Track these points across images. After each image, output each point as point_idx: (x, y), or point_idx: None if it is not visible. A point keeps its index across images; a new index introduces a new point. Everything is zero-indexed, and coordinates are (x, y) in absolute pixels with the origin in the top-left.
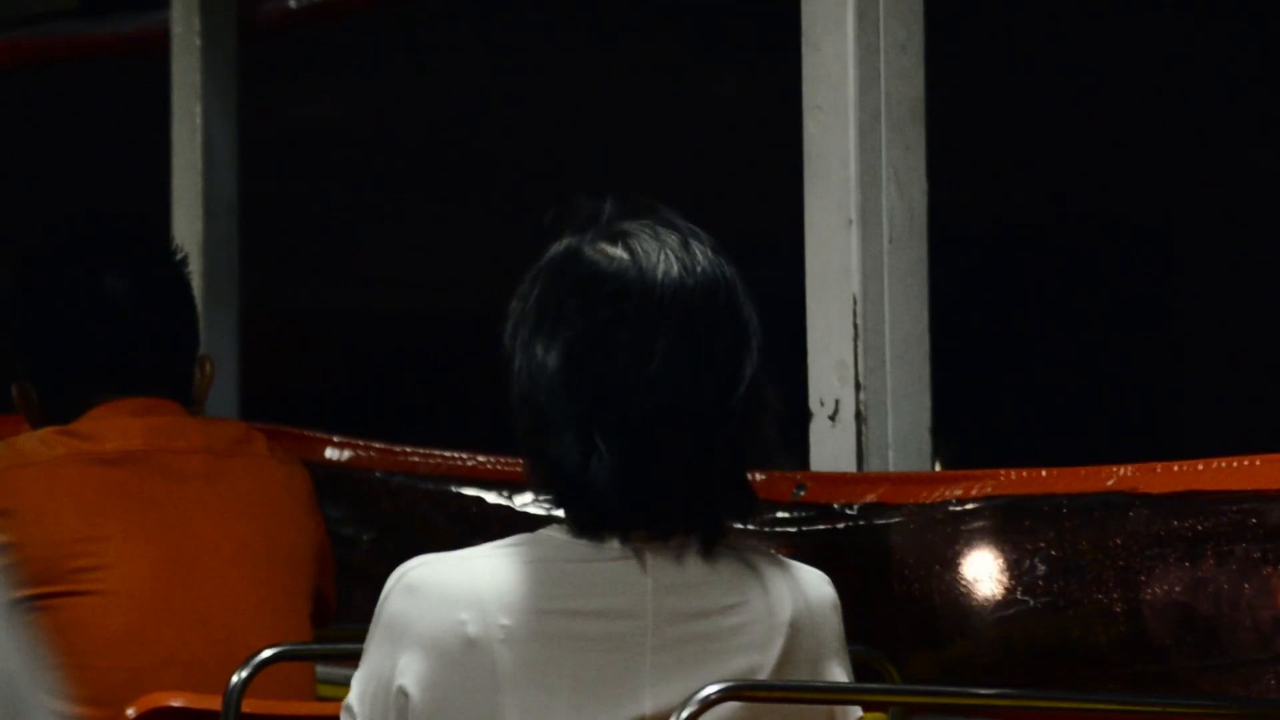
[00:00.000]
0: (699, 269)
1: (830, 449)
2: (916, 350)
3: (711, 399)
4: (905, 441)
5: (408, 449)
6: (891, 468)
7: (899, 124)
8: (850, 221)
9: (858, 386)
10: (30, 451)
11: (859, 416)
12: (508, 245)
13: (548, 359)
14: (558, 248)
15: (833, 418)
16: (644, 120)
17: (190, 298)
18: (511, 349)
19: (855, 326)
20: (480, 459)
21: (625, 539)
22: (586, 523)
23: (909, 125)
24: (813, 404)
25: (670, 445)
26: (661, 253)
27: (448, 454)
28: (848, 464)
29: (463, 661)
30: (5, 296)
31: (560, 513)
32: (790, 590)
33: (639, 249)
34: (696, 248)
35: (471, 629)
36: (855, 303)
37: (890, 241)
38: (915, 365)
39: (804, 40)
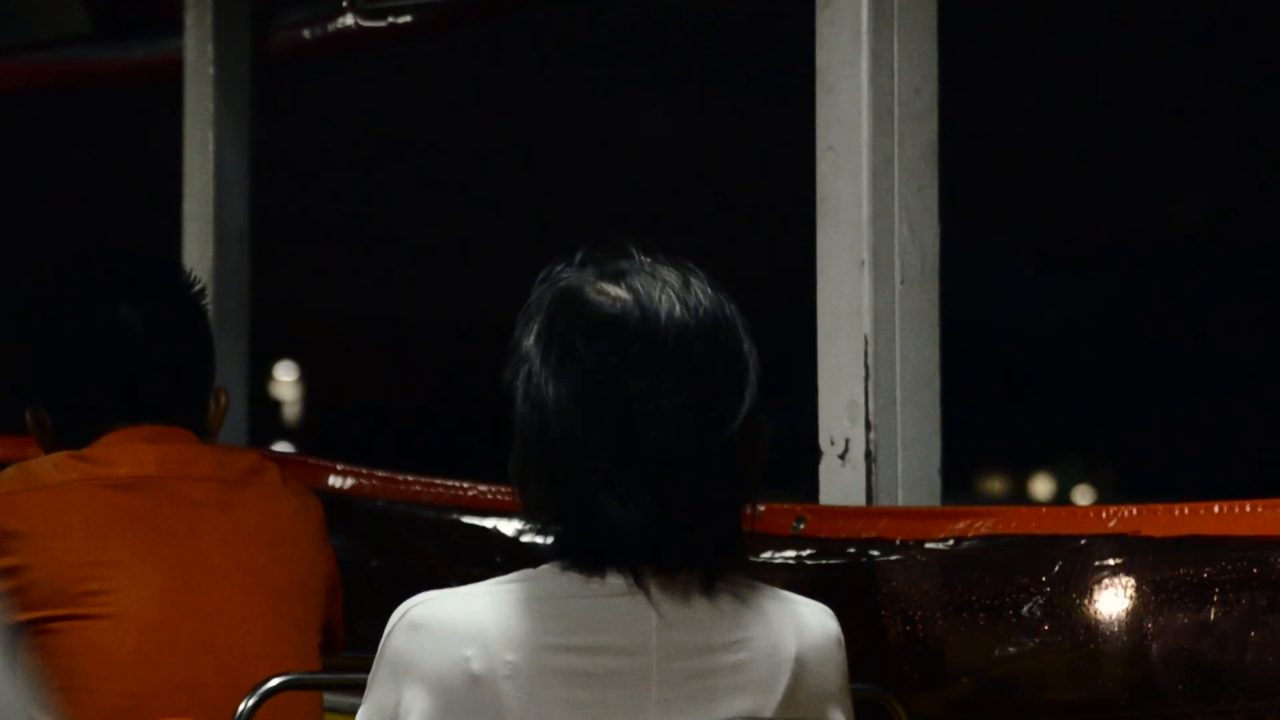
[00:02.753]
0: (700, 309)
1: (840, 488)
2: (927, 391)
3: (712, 436)
4: (915, 482)
5: (410, 477)
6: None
7: (912, 166)
8: (862, 262)
9: (868, 426)
10: (42, 475)
11: (869, 456)
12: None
13: (557, 396)
14: (558, 285)
15: (842, 457)
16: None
17: (206, 329)
18: (514, 385)
19: (866, 366)
20: (483, 488)
21: (632, 575)
22: (592, 558)
23: (922, 167)
24: (823, 443)
25: (675, 482)
26: (663, 292)
27: (450, 483)
28: (857, 503)
29: (467, 698)
30: (21, 323)
31: (552, 545)
32: (794, 625)
33: (640, 288)
34: (696, 286)
35: (476, 665)
36: (867, 343)
37: (902, 282)
38: (926, 405)
39: (818, 82)
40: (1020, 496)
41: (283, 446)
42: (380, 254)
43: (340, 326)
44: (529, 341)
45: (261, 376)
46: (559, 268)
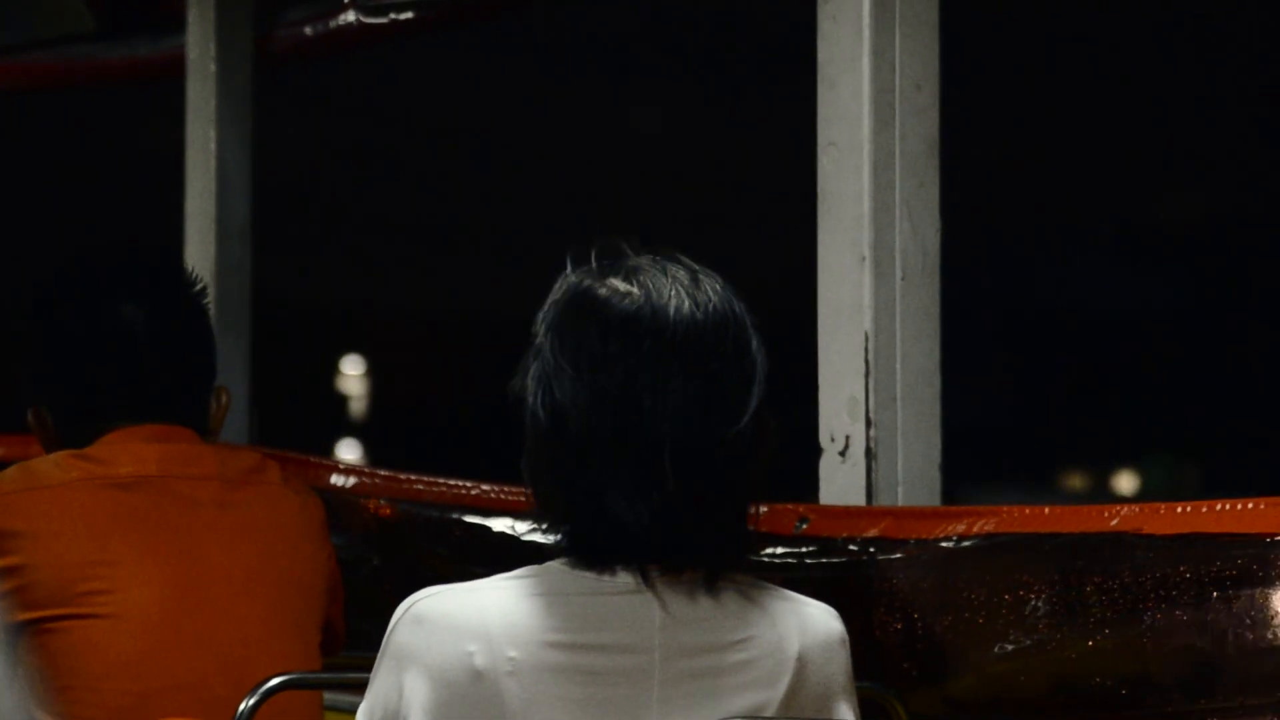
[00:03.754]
0: (710, 305)
1: (840, 485)
2: (928, 387)
3: (720, 434)
4: (915, 478)
5: (412, 476)
6: (900, 505)
7: (913, 161)
8: (863, 258)
9: (868, 423)
10: (44, 474)
11: (869, 453)
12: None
13: (568, 392)
14: (569, 285)
15: (843, 454)
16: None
17: (208, 327)
18: (525, 383)
19: (867, 363)
20: (485, 487)
21: (639, 572)
22: (598, 555)
23: (924, 162)
24: (823, 439)
25: (683, 478)
26: (673, 289)
27: (452, 482)
28: (857, 500)
29: (469, 693)
30: (23, 322)
31: (558, 542)
32: (798, 625)
33: (651, 285)
34: (706, 284)
35: (479, 660)
36: (867, 339)
37: (903, 278)
38: (926, 402)
39: (819, 77)
40: (1102, 493)
41: (350, 444)
42: (442, 249)
43: (407, 322)
44: (541, 338)
45: (329, 372)
46: (571, 266)
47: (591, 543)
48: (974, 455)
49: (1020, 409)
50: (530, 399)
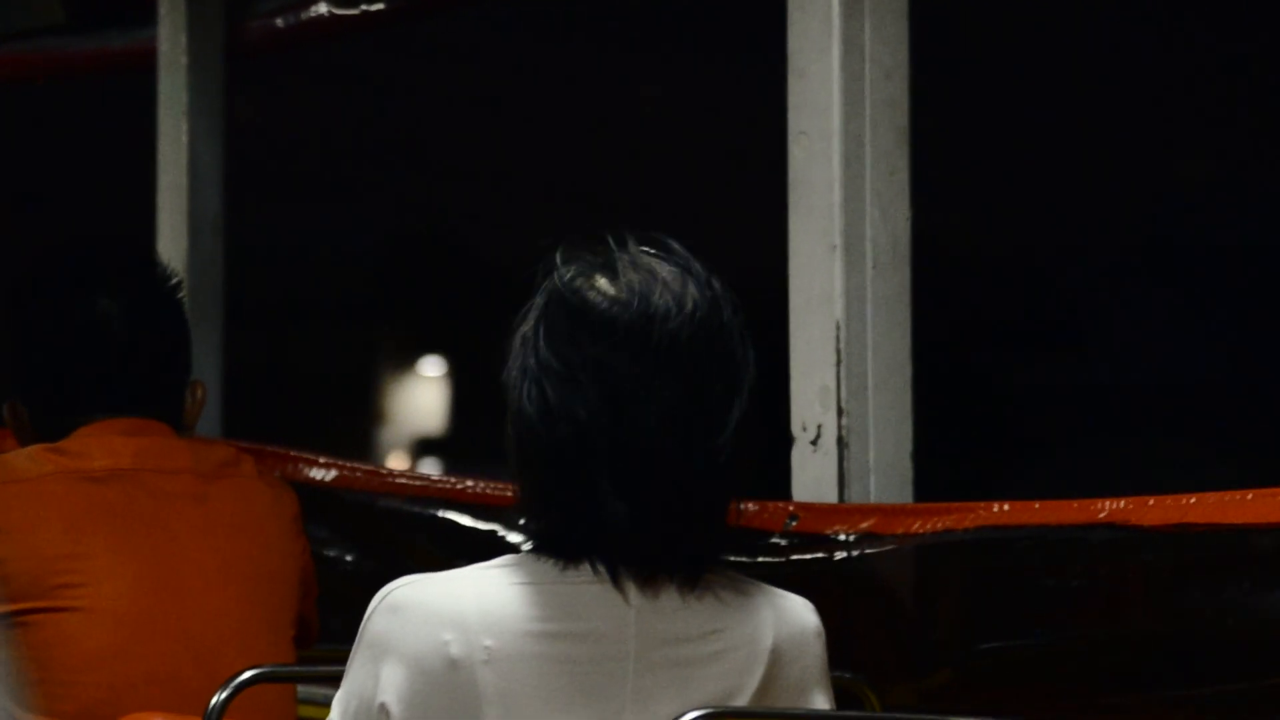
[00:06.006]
0: (696, 309)
1: (812, 474)
2: (899, 376)
3: (700, 441)
4: (887, 467)
5: (394, 470)
6: (873, 493)
7: (884, 150)
8: (834, 247)
9: (840, 412)
10: (18, 468)
11: (841, 442)
12: None
13: (554, 393)
14: (555, 283)
15: (815, 443)
16: (629, 134)
17: (183, 321)
18: (510, 380)
19: (838, 352)
20: (467, 483)
21: (611, 572)
22: (574, 550)
23: (894, 151)
24: (795, 429)
25: (661, 481)
26: (660, 292)
27: (434, 477)
28: (829, 489)
29: (445, 681)
30: None
31: (535, 538)
32: (773, 617)
33: (637, 287)
34: (693, 284)
35: (454, 649)
36: (838, 328)
37: (874, 267)
38: (898, 391)
39: (789, 66)
40: None
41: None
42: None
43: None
44: (525, 335)
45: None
46: (557, 261)
47: (568, 541)
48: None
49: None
50: (515, 393)
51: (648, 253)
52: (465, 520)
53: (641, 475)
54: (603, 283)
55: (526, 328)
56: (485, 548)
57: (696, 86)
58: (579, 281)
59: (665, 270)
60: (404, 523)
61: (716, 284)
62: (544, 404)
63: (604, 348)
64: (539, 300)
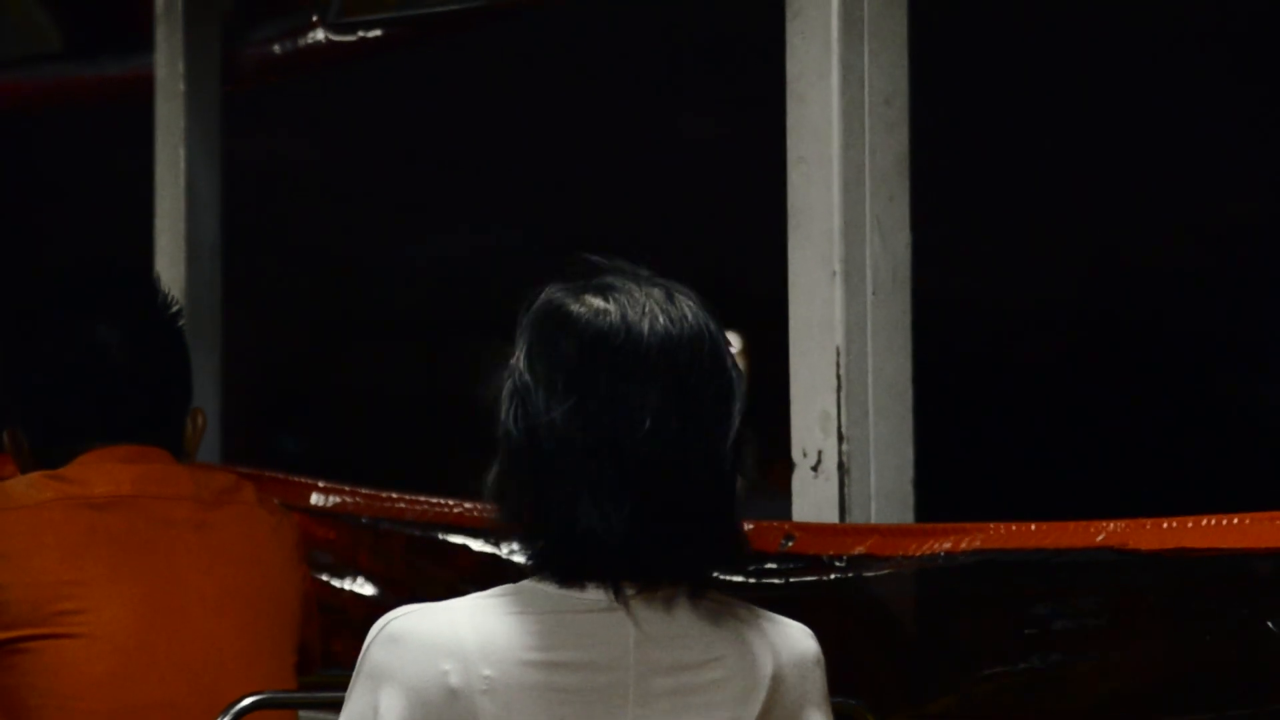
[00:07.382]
0: (685, 324)
1: (813, 499)
2: (899, 402)
3: (699, 451)
4: (888, 493)
5: (394, 494)
6: (874, 519)
7: (883, 176)
8: (834, 273)
9: (840, 438)
10: (18, 495)
11: (841, 467)
12: None
13: (543, 410)
14: (543, 301)
15: (815, 468)
16: (620, 166)
17: (183, 348)
18: (499, 399)
19: (839, 377)
20: (466, 506)
21: (614, 589)
22: (572, 569)
23: (893, 177)
24: (795, 455)
25: (661, 496)
26: (648, 306)
27: (433, 500)
28: (830, 514)
29: (445, 712)
30: None
31: (531, 560)
32: (773, 644)
33: (626, 302)
34: (682, 302)
35: (454, 679)
36: (839, 354)
37: (874, 293)
38: (898, 417)
39: (789, 92)
40: None
41: None
42: None
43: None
44: (516, 353)
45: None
46: (547, 282)
47: (564, 558)
48: None
49: None
50: (503, 415)
51: (631, 273)
52: (467, 543)
53: (636, 485)
54: (590, 299)
55: (514, 347)
56: (487, 570)
57: (701, 113)
58: (565, 300)
59: (651, 288)
60: (406, 547)
61: (701, 304)
62: (533, 422)
63: (593, 361)
64: (524, 322)
